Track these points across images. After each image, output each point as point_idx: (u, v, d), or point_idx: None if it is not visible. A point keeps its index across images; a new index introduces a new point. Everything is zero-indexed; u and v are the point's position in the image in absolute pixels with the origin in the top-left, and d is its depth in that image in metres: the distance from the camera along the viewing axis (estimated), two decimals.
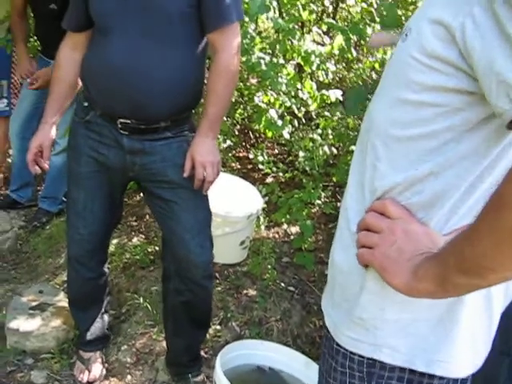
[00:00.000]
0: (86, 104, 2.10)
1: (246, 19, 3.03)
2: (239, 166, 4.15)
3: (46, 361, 2.52)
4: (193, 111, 2.22)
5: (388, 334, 0.98)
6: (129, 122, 2.00)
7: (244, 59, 3.02)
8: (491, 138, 0.86)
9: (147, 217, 3.53)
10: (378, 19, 3.38)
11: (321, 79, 3.59)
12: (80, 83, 2.17)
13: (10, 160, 4.15)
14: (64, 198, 3.74)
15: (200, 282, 2.19)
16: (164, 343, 2.52)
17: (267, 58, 3.13)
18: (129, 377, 2.42)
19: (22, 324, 2.57)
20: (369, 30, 3.27)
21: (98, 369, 2.45)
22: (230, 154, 3.86)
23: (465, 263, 0.78)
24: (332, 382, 1.09)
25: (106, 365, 2.50)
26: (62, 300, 2.75)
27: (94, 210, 2.19)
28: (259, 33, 3.99)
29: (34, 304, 2.69)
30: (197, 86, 2.09)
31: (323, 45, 3.53)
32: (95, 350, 2.49)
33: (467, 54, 0.80)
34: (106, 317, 2.52)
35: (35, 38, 3.85)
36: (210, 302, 2.33)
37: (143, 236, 3.38)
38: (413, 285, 0.87)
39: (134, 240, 3.35)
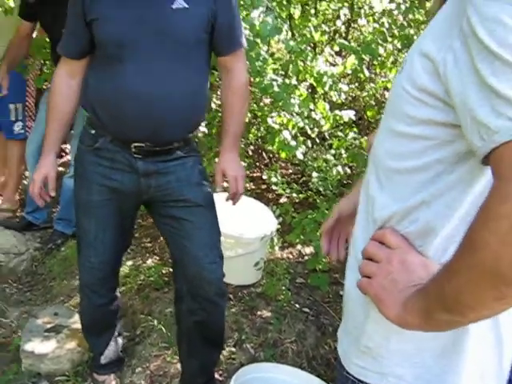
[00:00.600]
0: (93, 132, 2.09)
1: (258, 41, 3.06)
2: (253, 187, 4.16)
3: (61, 383, 2.52)
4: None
5: (393, 363, 0.98)
6: (143, 145, 2.01)
7: (257, 81, 3.04)
8: (476, 168, 0.85)
9: (161, 238, 3.53)
10: (389, 39, 3.40)
11: (334, 99, 3.60)
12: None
13: (25, 182, 4.20)
14: None
15: (213, 299, 2.18)
16: (178, 365, 2.52)
17: (280, 79, 3.15)
18: None
19: (37, 346, 2.58)
20: (381, 50, 3.28)
21: None
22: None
23: (445, 300, 0.79)
24: None
25: None
26: (77, 322, 2.75)
27: (105, 239, 2.18)
28: (272, 54, 4.03)
29: (48, 326, 2.70)
30: (206, 106, 2.21)
31: (335, 65, 3.55)
32: (109, 373, 2.49)
33: (448, 90, 0.80)
34: (119, 340, 2.52)
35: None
36: (223, 320, 2.32)
37: (157, 257, 3.39)
38: (403, 317, 0.88)
39: (149, 262, 3.36)
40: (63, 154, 4.63)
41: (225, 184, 2.26)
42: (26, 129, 3.89)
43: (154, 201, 2.17)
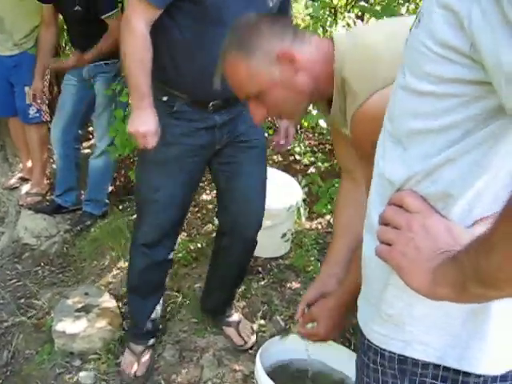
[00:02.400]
0: (165, 98, 2.11)
1: None
2: (280, 159, 4.11)
3: (93, 362, 2.55)
4: None
5: (418, 329, 0.94)
6: (219, 101, 2.10)
7: None
8: (508, 124, 0.78)
9: (189, 214, 3.53)
10: None
11: None
12: None
13: (54, 166, 4.23)
14: (107, 201, 3.80)
15: (254, 237, 2.41)
16: (208, 340, 2.55)
17: None
18: (174, 375, 2.42)
19: (69, 326, 2.61)
20: (402, 10, 3.18)
21: (147, 362, 2.48)
22: (270, 147, 3.82)
23: (482, 274, 0.73)
24: (365, 378, 1.06)
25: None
26: (107, 301, 2.78)
27: (175, 195, 2.24)
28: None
29: (79, 306, 2.73)
30: None
31: None
32: (147, 344, 2.51)
33: (475, 45, 0.72)
34: (159, 311, 2.53)
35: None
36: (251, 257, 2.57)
37: (185, 234, 3.39)
38: (431, 289, 0.82)
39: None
40: (90, 136, 4.64)
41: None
42: (42, 112, 3.90)
43: (219, 149, 2.27)
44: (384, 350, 0.99)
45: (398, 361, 0.97)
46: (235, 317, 2.67)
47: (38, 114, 3.86)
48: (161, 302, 2.52)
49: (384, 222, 0.92)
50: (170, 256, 2.45)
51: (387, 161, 0.94)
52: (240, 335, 2.59)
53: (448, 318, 0.91)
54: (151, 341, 2.53)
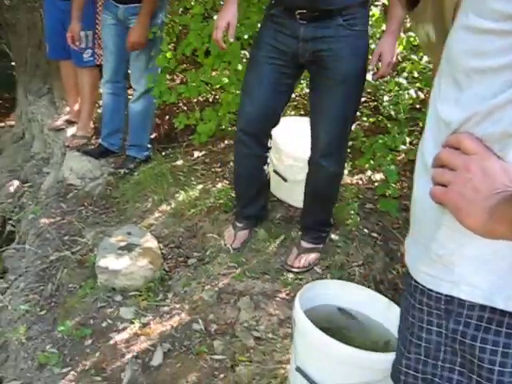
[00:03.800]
0: (273, 1, 2.43)
1: None
2: None
3: (134, 298, 2.63)
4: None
5: (467, 270, 0.94)
6: (305, 11, 2.29)
7: None
8: None
9: (231, 163, 3.56)
10: None
11: (407, 22, 3.44)
12: None
13: (99, 111, 4.29)
14: (149, 145, 3.85)
15: (318, 160, 2.55)
16: (246, 283, 2.62)
17: None
18: (211, 315, 2.48)
19: (112, 263, 2.69)
20: None
21: (243, 238, 2.87)
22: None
23: None
24: (410, 319, 1.07)
25: (190, 304, 2.58)
26: (149, 241, 2.85)
27: (260, 92, 2.50)
28: None
29: (122, 244, 2.80)
30: None
31: None
32: (248, 224, 2.91)
33: None
34: (262, 200, 2.94)
35: None
36: (326, 182, 2.66)
37: (227, 181, 3.42)
38: (489, 227, 0.83)
39: (219, 185, 3.40)
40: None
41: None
42: (96, 56, 3.93)
43: (309, 67, 2.48)
44: (431, 290, 1.00)
45: (445, 301, 0.98)
46: (309, 245, 2.79)
47: (91, 58, 3.92)
48: (263, 199, 2.94)
49: (440, 163, 0.93)
50: (264, 153, 2.74)
51: (444, 102, 0.94)
52: (296, 258, 2.74)
53: (496, 257, 0.92)
54: (252, 223, 2.93)
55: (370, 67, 2.48)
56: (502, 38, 0.81)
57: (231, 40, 2.50)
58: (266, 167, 2.81)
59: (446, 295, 0.98)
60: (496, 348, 0.95)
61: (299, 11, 2.30)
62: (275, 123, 2.67)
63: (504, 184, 0.84)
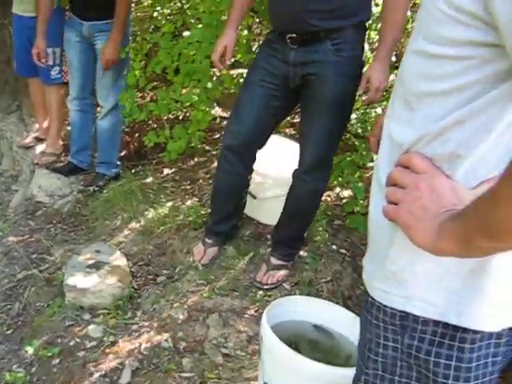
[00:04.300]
0: (272, 28, 2.56)
1: None
2: (293, 132, 4.13)
3: (103, 316, 2.62)
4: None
5: (419, 286, 0.97)
6: (294, 35, 2.35)
7: None
8: None
9: (200, 180, 3.58)
10: None
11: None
12: None
13: (68, 128, 4.28)
14: (118, 162, 3.85)
15: (301, 175, 2.59)
16: (215, 301, 2.61)
17: None
18: (180, 333, 2.48)
19: (80, 281, 2.67)
20: None
21: (212, 254, 2.90)
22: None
23: (488, 228, 0.76)
24: (368, 335, 1.09)
25: (159, 321, 2.58)
26: (118, 259, 2.84)
27: (249, 112, 2.57)
28: None
29: (90, 262, 2.79)
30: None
31: None
32: (218, 241, 2.93)
33: (488, 7, 0.75)
34: (234, 221, 2.97)
35: None
36: (306, 197, 2.67)
37: (196, 199, 3.44)
38: (437, 244, 0.85)
39: (188, 203, 3.41)
40: None
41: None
42: (63, 73, 3.93)
43: (298, 92, 2.51)
44: (386, 306, 1.02)
45: (400, 317, 1.00)
46: (278, 261, 2.80)
47: (59, 75, 3.90)
48: (236, 217, 2.98)
49: (392, 182, 0.96)
50: (246, 172, 2.79)
51: (396, 122, 0.98)
52: (265, 275, 2.76)
53: (449, 274, 0.94)
54: (221, 240, 2.94)
55: (360, 90, 2.48)
56: (451, 63, 0.85)
57: (227, 62, 2.65)
58: (245, 189, 2.86)
59: (401, 311, 1.00)
60: (449, 362, 0.97)
61: (289, 35, 2.36)
62: (262, 144, 2.71)
63: (452, 202, 0.87)
